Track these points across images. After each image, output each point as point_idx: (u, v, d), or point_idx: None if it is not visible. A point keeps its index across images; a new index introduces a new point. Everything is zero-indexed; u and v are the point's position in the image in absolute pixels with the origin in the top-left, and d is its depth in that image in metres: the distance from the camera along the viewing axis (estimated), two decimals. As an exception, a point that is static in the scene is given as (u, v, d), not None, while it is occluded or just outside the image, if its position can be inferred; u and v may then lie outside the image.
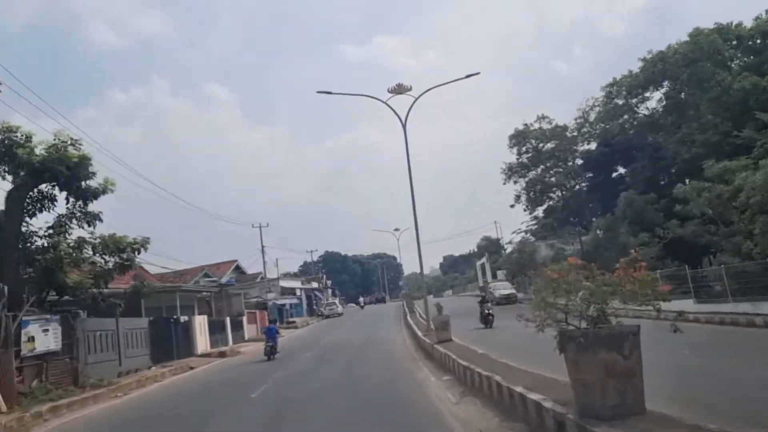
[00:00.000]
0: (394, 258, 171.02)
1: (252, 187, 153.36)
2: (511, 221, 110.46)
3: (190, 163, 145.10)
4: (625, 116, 37.40)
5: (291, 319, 51.29)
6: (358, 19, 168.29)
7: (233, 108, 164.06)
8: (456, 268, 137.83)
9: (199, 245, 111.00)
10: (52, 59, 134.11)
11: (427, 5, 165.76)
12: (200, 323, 26.80)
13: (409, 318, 36.32)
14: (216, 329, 29.57)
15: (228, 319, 31.54)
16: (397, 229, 76.44)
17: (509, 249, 71.52)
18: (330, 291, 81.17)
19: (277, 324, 47.44)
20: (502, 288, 45.35)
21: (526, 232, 62.22)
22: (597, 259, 37.09)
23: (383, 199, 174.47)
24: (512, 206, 47.48)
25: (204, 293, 33.05)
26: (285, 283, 53.90)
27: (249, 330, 35.97)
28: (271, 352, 21.50)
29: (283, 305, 50.79)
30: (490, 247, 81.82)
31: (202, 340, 26.41)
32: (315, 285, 76.29)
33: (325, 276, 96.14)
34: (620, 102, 37.39)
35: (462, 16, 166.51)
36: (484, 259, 65.86)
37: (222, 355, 25.51)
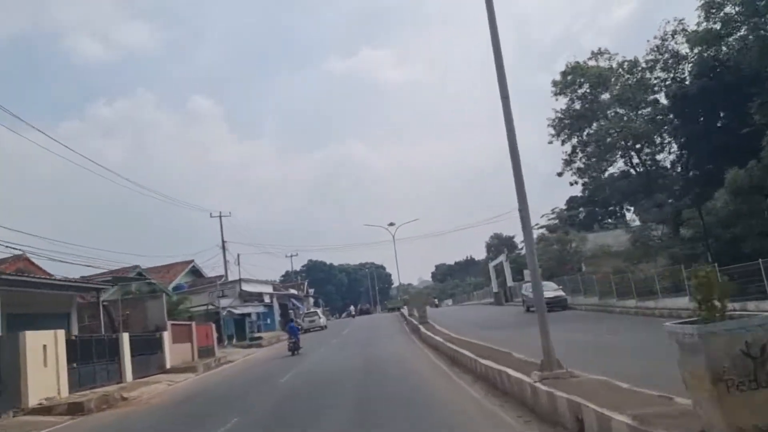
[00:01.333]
0: (383, 267, 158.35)
1: (237, 198, 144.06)
2: (509, 226, 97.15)
3: (174, 176, 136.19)
4: (743, 31, 25.26)
5: (257, 334, 38.02)
6: (345, 32, 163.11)
7: (219, 121, 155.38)
8: (452, 276, 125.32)
9: (156, 243, 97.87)
10: (36, 70, 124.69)
11: (412, 21, 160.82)
12: (37, 348, 13.56)
13: (425, 330, 23.63)
14: (96, 355, 16.37)
15: (125, 338, 18.14)
16: (392, 224, 63.92)
17: (536, 243, 58.98)
18: (311, 299, 67.73)
19: (234, 341, 34.57)
20: (546, 289, 32.75)
21: (556, 218, 49.70)
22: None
23: (371, 211, 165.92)
24: (560, 174, 34.78)
25: (91, 290, 19.73)
26: (250, 287, 40.88)
27: (177, 352, 22.70)
28: (294, 348, 22.94)
29: (245, 315, 37.49)
30: (501, 245, 69.35)
31: (39, 381, 13.21)
32: (294, 292, 62.93)
33: (306, 283, 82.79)
34: (734, 10, 25.32)
35: (446, 32, 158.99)
36: (501, 258, 53.17)
37: (73, 411, 12.48)
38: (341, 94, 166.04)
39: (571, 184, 34.35)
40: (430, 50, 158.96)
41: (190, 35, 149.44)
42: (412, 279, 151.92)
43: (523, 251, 62.03)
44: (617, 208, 56.79)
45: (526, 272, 45.69)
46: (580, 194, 63.40)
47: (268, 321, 45.87)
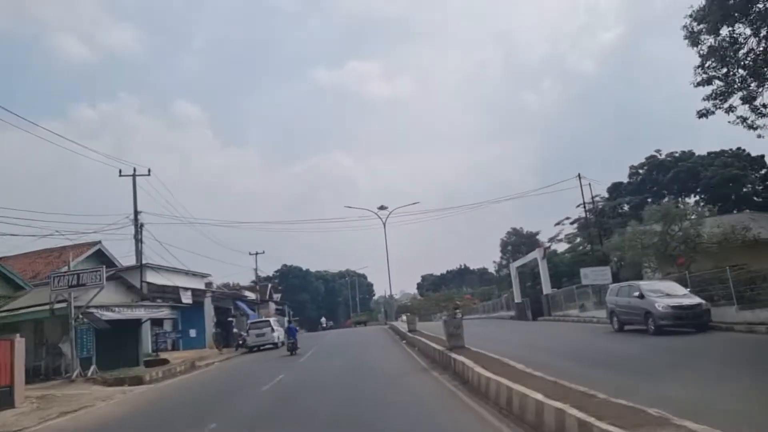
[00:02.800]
0: (364, 277, 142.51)
1: (219, 207, 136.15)
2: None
3: (156, 180, 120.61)
4: None
5: (153, 354, 22.48)
6: (332, 44, 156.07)
7: (203, 128, 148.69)
8: (446, 286, 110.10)
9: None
10: (18, 70, 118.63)
11: (400, 35, 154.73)
12: None
13: (480, 370, 8.30)
14: None
15: None
16: (383, 208, 48.74)
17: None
18: (273, 306, 51.77)
19: (94, 371, 18.56)
20: (672, 293, 17.77)
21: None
22: None
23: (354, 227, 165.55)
24: (698, 85, 19.04)
25: None
26: (156, 278, 25.54)
27: None
28: (293, 348, 24.27)
29: (135, 322, 21.78)
30: (520, 242, 54.54)
31: None
32: (249, 295, 47.08)
33: (270, 286, 67.03)
34: None
35: (434, 47, 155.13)
36: (536, 254, 38.16)
37: None
38: (327, 105, 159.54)
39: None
40: (416, 65, 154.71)
41: (175, 42, 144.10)
42: (394, 291, 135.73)
43: (559, 247, 47.25)
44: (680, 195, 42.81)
45: (588, 272, 30.86)
46: (627, 180, 49.32)
47: (193, 333, 30.22)
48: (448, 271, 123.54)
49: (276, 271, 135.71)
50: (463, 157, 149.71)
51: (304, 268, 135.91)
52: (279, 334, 30.11)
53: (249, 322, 31.44)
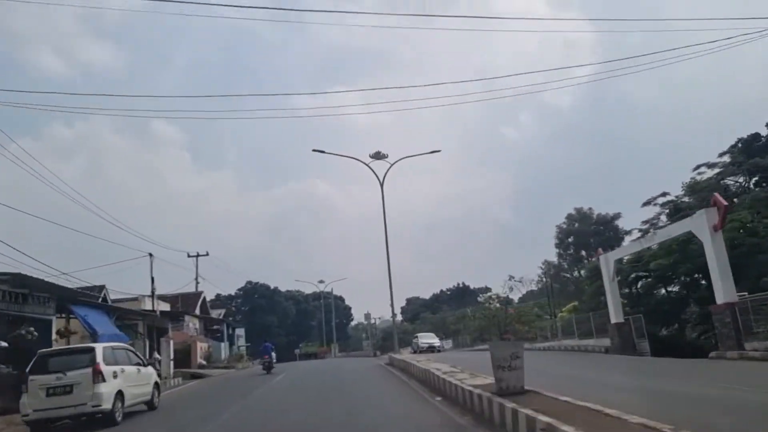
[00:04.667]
0: (342, 299, 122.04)
1: (193, 229, 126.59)
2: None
3: (130, 202, 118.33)
4: None
5: None
6: (312, 71, 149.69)
7: (180, 150, 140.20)
8: (442, 308, 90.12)
9: None
10: None
11: (380, 65, 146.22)
12: None
13: None
14: None
15: None
16: (380, 156, 29.47)
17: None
18: (193, 324, 31.32)
19: None
20: None
21: None
22: None
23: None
24: None
25: None
26: None
27: None
28: (268, 367, 24.79)
29: None
30: (585, 230, 35.64)
31: None
32: (163, 306, 26.95)
33: (206, 299, 46.85)
34: None
35: (413, 78, 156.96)
36: (697, 222, 19.03)
37: None
38: (306, 131, 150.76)
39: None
40: (397, 94, 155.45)
41: (155, 62, 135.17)
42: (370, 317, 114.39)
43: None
44: None
45: None
46: None
47: None
48: (442, 291, 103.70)
49: (239, 290, 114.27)
50: (441, 187, 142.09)
51: (272, 286, 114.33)
52: (113, 389, 10.61)
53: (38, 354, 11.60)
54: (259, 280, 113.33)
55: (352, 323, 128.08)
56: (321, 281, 60.58)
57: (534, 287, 62.48)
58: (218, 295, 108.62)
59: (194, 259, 51.18)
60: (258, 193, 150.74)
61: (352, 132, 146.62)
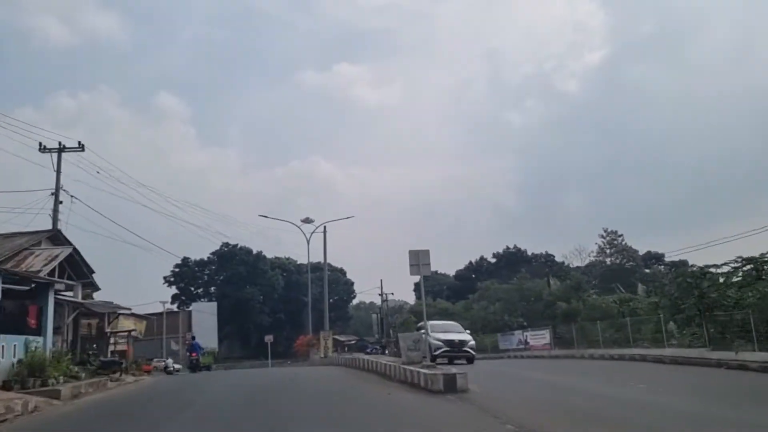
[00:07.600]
0: (342, 272, 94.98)
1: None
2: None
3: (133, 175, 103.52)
4: None
5: None
6: (320, 47, 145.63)
7: (185, 125, 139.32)
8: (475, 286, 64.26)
9: None
10: None
11: (389, 44, 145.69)
12: None
13: None
14: None
15: None
16: (308, 221, 15.81)
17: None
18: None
19: None
20: None
21: None
22: None
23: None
24: None
25: None
26: None
27: None
28: (194, 367, 24.49)
29: None
30: None
31: None
32: None
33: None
34: None
35: (422, 59, 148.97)
36: None
37: None
38: (312, 108, 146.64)
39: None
40: (405, 75, 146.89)
41: (160, 35, 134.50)
42: (374, 296, 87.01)
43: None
44: None
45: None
46: None
47: None
48: (483, 258, 76.91)
49: (212, 254, 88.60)
50: (444, 170, 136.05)
51: (254, 251, 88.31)
52: None
53: None
54: (239, 243, 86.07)
55: (354, 302, 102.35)
56: (306, 219, 34.97)
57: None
58: (186, 259, 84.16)
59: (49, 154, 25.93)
60: (261, 170, 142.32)
61: (358, 113, 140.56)
